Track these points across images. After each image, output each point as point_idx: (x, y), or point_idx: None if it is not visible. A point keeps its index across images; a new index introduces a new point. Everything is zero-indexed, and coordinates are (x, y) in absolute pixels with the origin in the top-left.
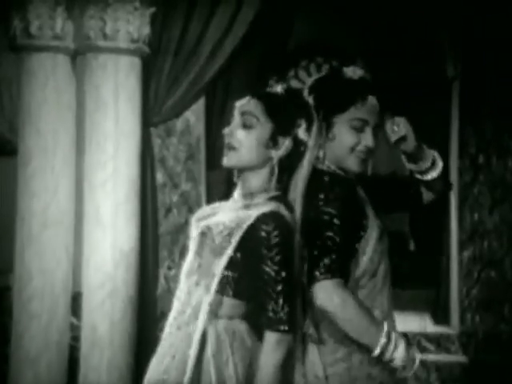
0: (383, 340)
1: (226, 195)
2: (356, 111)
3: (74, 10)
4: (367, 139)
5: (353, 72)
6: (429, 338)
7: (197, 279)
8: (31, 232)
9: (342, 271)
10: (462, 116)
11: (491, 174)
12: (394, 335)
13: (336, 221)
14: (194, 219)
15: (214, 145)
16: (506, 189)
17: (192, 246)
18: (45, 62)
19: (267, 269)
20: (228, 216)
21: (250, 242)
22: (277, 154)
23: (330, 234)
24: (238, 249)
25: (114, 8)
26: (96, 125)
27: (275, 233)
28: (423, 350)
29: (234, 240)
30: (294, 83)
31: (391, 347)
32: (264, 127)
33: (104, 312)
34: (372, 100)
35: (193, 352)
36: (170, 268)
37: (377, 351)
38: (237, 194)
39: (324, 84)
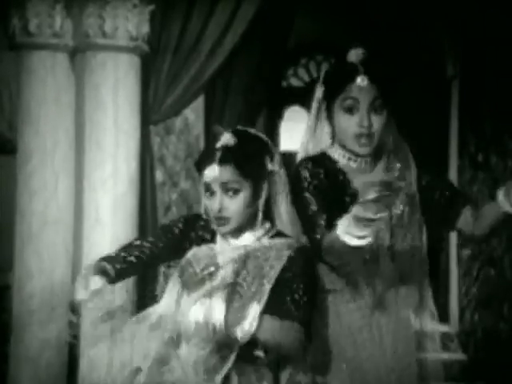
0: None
1: None
2: (346, 92)
3: (72, 7)
4: (361, 118)
5: (355, 55)
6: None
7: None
8: (31, 230)
9: None
10: (461, 115)
11: (490, 173)
12: None
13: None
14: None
15: None
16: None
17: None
18: (44, 60)
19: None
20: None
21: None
22: (261, 201)
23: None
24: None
25: (112, 6)
26: (95, 123)
27: (308, 264)
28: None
29: (274, 273)
30: (294, 81)
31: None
32: (246, 188)
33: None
34: (363, 80)
35: None
36: (169, 266)
37: None
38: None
39: (328, 72)
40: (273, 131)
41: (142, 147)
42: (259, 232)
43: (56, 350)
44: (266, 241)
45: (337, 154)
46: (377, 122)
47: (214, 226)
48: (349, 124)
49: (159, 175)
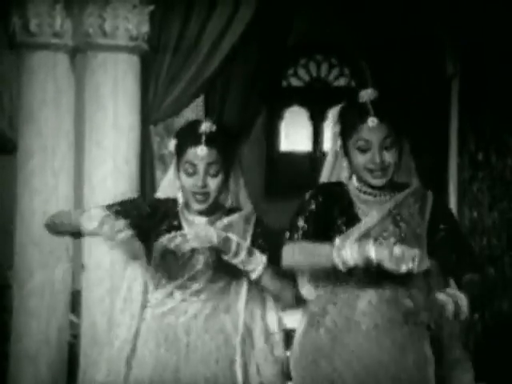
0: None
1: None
2: (358, 133)
3: (73, 7)
4: (372, 156)
5: (366, 95)
6: None
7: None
8: (31, 229)
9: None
10: (461, 114)
11: (490, 172)
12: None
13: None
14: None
15: None
16: (505, 186)
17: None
18: (44, 60)
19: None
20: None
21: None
22: (231, 182)
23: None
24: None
25: (113, 6)
26: (95, 123)
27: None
28: None
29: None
30: (294, 81)
31: (343, 252)
32: (222, 170)
33: (103, 309)
34: (373, 121)
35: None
36: None
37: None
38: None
39: (342, 110)
40: (273, 131)
41: (141, 147)
42: (223, 210)
43: (56, 348)
44: (230, 217)
45: (352, 187)
46: (389, 157)
47: (192, 204)
48: (362, 160)
49: (159, 175)
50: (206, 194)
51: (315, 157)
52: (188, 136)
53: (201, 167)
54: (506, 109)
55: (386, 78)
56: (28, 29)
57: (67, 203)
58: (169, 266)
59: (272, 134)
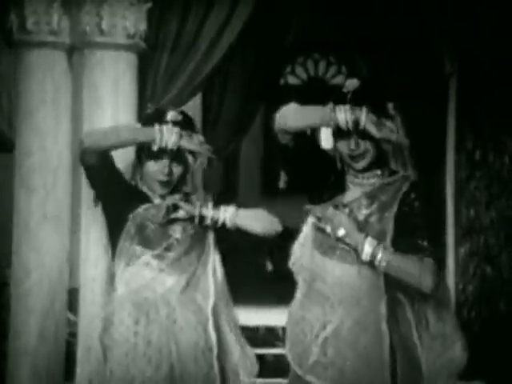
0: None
1: (221, 192)
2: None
3: (70, 5)
4: (350, 143)
5: (351, 85)
6: None
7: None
8: (29, 228)
9: None
10: (458, 112)
11: (488, 170)
12: None
13: None
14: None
15: (211, 143)
16: (502, 185)
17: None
18: (42, 58)
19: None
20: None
21: None
22: (190, 170)
23: None
24: None
25: (110, 3)
26: (93, 121)
27: None
28: None
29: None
30: (291, 79)
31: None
32: (186, 158)
33: (101, 307)
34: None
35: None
36: None
37: None
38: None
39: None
40: (270, 129)
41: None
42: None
43: (54, 346)
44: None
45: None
46: (365, 143)
47: (156, 189)
48: (342, 146)
49: None
50: (171, 183)
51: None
52: (154, 124)
53: (166, 156)
54: (503, 108)
55: (384, 76)
56: (25, 27)
57: (64, 202)
58: (144, 237)
59: (269, 133)
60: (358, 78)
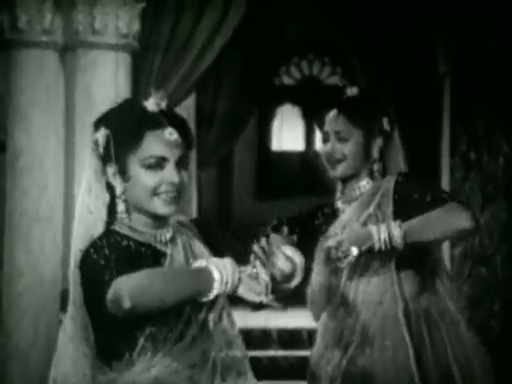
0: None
1: (217, 195)
2: (324, 125)
3: (62, 4)
4: (328, 147)
5: (350, 92)
6: None
7: None
8: (21, 228)
9: None
10: (453, 113)
11: (482, 172)
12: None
13: None
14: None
15: (205, 144)
16: (497, 186)
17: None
18: (34, 57)
19: None
20: None
21: None
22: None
23: None
24: None
25: (102, 3)
26: (85, 121)
27: None
28: None
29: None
30: (286, 79)
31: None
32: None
33: None
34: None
35: None
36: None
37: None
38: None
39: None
40: (265, 130)
41: None
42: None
43: (46, 347)
44: None
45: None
46: (343, 148)
47: (154, 207)
48: (322, 151)
49: None
50: (181, 192)
51: (308, 156)
52: (136, 119)
53: (172, 158)
54: (497, 109)
55: (378, 77)
56: (17, 26)
57: (57, 202)
58: None
59: (264, 133)
60: (356, 85)
